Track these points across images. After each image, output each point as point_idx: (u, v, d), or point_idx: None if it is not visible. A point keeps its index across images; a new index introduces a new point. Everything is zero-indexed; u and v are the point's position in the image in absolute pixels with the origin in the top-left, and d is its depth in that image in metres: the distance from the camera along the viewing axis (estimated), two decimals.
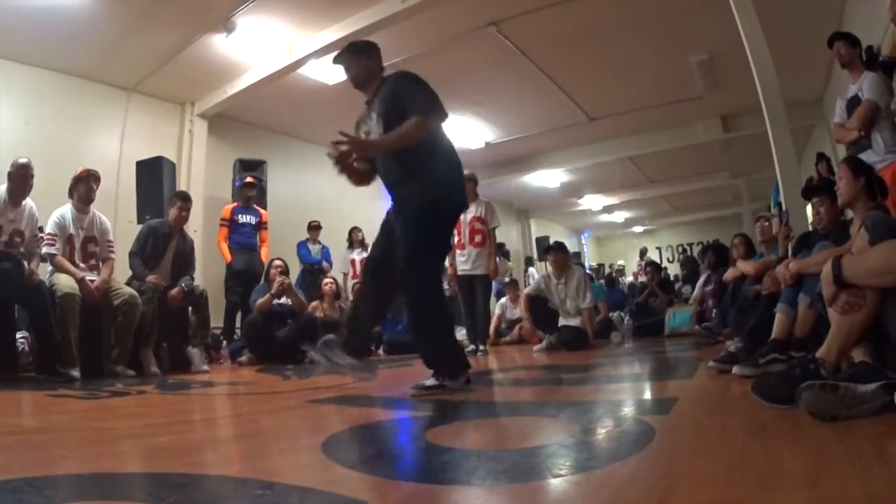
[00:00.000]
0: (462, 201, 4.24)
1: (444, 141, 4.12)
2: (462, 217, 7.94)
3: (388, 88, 4.09)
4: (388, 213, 4.26)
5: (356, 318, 4.49)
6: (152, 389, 4.82)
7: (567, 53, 9.85)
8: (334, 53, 4.31)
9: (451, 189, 4.06)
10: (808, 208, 4.91)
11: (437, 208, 3.97)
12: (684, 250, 24.57)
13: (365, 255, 10.87)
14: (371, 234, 11.52)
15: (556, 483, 1.64)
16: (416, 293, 3.98)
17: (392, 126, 3.90)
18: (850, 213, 4.17)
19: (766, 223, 6.99)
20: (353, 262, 10.94)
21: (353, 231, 11.20)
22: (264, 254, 9.37)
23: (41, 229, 6.13)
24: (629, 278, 19.11)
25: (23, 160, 5.74)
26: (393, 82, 4.10)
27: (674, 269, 22.75)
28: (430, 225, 3.94)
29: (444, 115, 3.97)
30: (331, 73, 9.71)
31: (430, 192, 3.93)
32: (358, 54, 4.29)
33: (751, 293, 5.37)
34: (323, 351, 4.20)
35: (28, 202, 5.85)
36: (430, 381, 3.83)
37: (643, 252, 21.90)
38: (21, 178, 5.70)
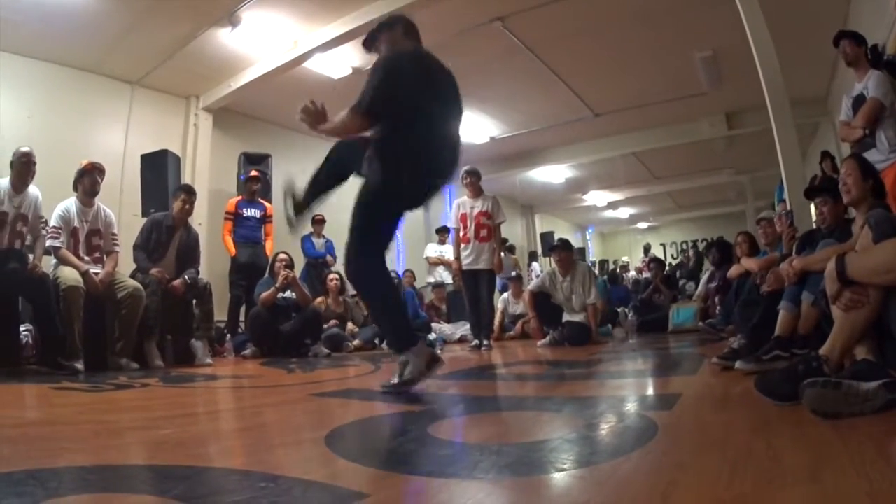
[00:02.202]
0: (416, 197, 4.08)
1: (411, 135, 3.86)
2: (468, 211, 7.96)
3: None
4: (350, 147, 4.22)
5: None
6: (156, 382, 4.83)
7: (572, 49, 9.85)
8: (354, 41, 4.23)
9: (402, 183, 3.86)
10: (812, 207, 4.90)
11: (385, 195, 3.87)
12: (694, 246, 24.46)
13: None
14: None
15: (559, 477, 1.64)
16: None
17: None
18: (852, 212, 4.17)
19: (768, 225, 6.98)
20: None
21: None
22: (269, 247, 9.36)
23: (45, 222, 6.15)
24: (632, 273, 19.06)
25: (25, 149, 5.81)
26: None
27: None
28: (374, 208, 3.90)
29: (370, 107, 3.79)
30: (336, 67, 9.73)
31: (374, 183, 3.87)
32: (380, 31, 4.19)
33: (759, 281, 5.36)
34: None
35: (33, 189, 5.89)
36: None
37: (647, 248, 21.89)
38: (23, 165, 5.76)
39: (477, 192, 8.14)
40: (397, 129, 3.82)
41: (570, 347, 7.50)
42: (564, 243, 8.56)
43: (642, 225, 27.75)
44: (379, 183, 3.82)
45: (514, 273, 12.40)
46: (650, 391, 3.86)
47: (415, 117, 3.83)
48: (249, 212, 9.41)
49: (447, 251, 11.55)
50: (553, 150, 15.33)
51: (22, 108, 8.47)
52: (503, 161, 15.38)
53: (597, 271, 17.33)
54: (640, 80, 11.14)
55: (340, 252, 10.87)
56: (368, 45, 4.29)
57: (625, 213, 24.56)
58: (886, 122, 5.04)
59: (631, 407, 2.97)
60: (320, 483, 1.62)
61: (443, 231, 12.49)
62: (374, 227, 3.94)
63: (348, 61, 9.68)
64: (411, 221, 15.24)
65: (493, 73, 10.48)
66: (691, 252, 21.27)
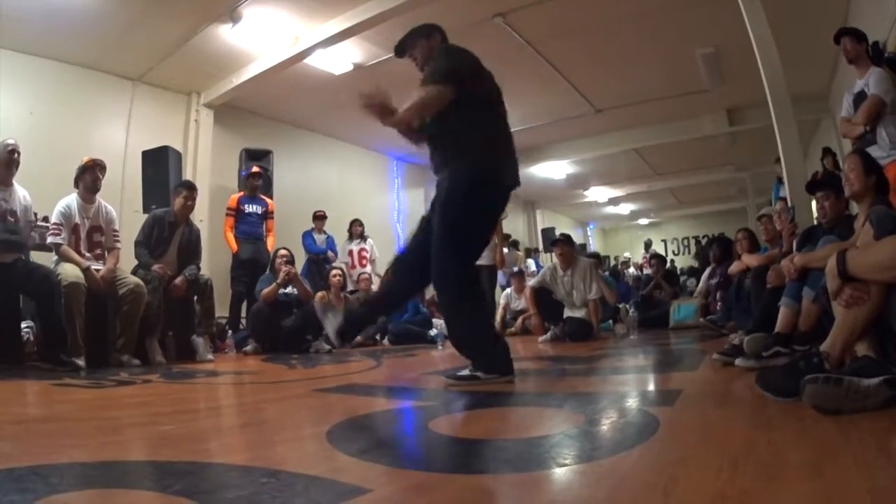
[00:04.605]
0: (505, 188, 4.07)
1: (484, 125, 3.99)
2: None
3: None
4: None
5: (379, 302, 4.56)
6: (157, 378, 4.83)
7: (573, 45, 9.86)
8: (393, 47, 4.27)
9: (489, 175, 3.91)
10: (814, 203, 4.90)
11: (473, 195, 3.80)
12: (697, 243, 24.46)
13: (363, 246, 10.95)
14: (375, 224, 11.54)
15: (561, 473, 1.65)
16: (440, 278, 3.91)
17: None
18: (854, 208, 4.18)
19: (769, 221, 6.99)
20: (350, 252, 11.03)
21: (354, 224, 11.27)
22: (270, 243, 9.38)
23: (46, 219, 6.15)
24: (632, 270, 19.06)
25: (9, 141, 5.75)
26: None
27: (680, 262, 22.77)
28: (464, 210, 3.81)
29: (448, 73, 3.78)
30: (337, 64, 9.74)
31: (465, 177, 3.80)
32: (416, 38, 4.20)
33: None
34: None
35: (20, 189, 5.86)
36: (464, 371, 3.74)
37: (648, 244, 21.90)
38: (7, 156, 5.70)
39: None
40: (473, 123, 3.87)
41: (571, 343, 7.49)
42: (565, 238, 8.54)
43: (643, 221, 27.79)
44: (468, 175, 3.80)
45: (516, 269, 12.42)
46: (651, 387, 3.86)
47: (487, 111, 3.98)
48: (251, 208, 9.43)
49: None
50: (554, 146, 15.32)
51: (23, 104, 8.47)
52: None
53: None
54: (641, 76, 11.15)
55: (341, 247, 10.95)
56: (401, 52, 4.28)
57: (626, 209, 24.61)
58: (887, 119, 5.05)
59: (632, 402, 2.97)
60: (322, 478, 1.62)
61: None
62: (467, 227, 3.88)
63: (349, 57, 9.70)
64: (411, 217, 15.28)
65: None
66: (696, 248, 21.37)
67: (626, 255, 22.42)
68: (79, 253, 6.03)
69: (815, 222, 4.90)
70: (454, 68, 3.82)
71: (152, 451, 2.16)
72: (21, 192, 5.83)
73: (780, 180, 8.58)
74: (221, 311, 8.17)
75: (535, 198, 21.00)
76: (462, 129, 3.84)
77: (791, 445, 1.85)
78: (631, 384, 3.92)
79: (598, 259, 13.29)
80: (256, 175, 9.67)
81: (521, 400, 3.30)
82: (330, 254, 10.76)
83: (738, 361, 3.85)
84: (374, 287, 10.26)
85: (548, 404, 3.03)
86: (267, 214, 9.58)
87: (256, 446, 2.29)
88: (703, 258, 15.40)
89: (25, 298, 5.91)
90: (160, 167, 8.93)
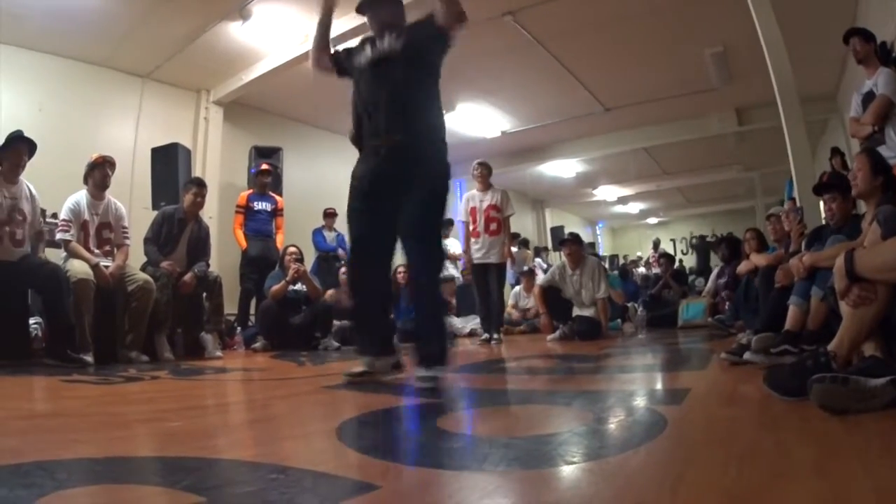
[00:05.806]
0: None
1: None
2: (477, 205, 7.99)
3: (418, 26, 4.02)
4: (371, 165, 4.20)
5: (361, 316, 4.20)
6: (166, 375, 4.84)
7: (583, 43, 9.84)
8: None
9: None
10: (821, 203, 4.91)
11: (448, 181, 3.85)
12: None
13: None
14: None
15: (568, 470, 1.65)
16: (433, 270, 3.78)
17: (413, 51, 3.93)
18: (862, 208, 4.17)
19: (778, 221, 6.98)
20: None
21: None
22: (280, 241, 9.37)
23: (55, 215, 6.17)
24: (642, 269, 19.02)
25: None
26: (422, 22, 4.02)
27: (688, 262, 22.73)
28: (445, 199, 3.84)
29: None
30: None
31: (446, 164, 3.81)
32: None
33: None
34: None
35: (25, 183, 5.85)
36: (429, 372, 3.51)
37: (656, 244, 21.85)
38: (14, 154, 5.70)
39: (486, 185, 8.18)
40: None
41: (579, 342, 7.49)
42: (574, 237, 8.54)
43: (652, 220, 27.75)
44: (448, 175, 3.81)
45: (525, 268, 12.43)
46: (659, 386, 3.85)
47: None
48: (260, 205, 9.43)
49: (451, 245, 11.51)
50: (563, 145, 15.32)
51: (32, 101, 8.49)
52: (514, 155, 15.40)
53: (606, 265, 17.31)
54: (650, 75, 11.13)
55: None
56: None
57: (635, 208, 24.55)
58: (895, 119, 5.04)
59: (640, 401, 2.97)
60: (330, 475, 1.63)
61: (446, 224, 12.45)
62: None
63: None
64: None
65: (503, 67, 10.49)
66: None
67: (639, 254, 22.41)
68: (88, 250, 6.04)
69: (824, 222, 4.90)
70: None
71: (160, 447, 2.17)
72: (26, 187, 5.83)
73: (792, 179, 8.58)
74: (230, 308, 8.18)
75: (544, 196, 20.99)
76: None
77: (797, 444, 1.85)
78: (639, 383, 3.91)
79: (614, 262, 13.32)
80: (266, 172, 9.67)
81: (529, 398, 3.31)
82: (340, 251, 10.73)
83: (746, 354, 3.85)
84: None
85: (556, 402, 3.03)
86: (276, 212, 9.57)
87: (264, 442, 2.29)
88: (699, 252, 15.40)
89: (34, 295, 5.93)
90: (169, 164, 8.95)
